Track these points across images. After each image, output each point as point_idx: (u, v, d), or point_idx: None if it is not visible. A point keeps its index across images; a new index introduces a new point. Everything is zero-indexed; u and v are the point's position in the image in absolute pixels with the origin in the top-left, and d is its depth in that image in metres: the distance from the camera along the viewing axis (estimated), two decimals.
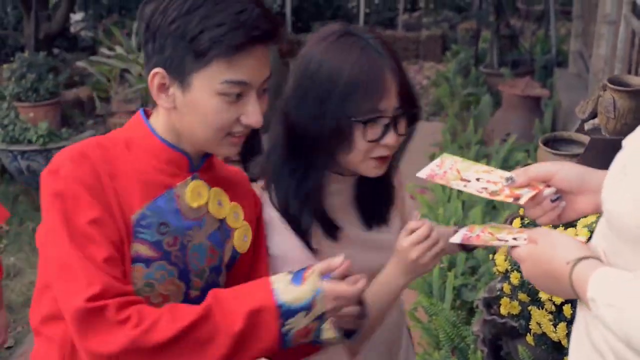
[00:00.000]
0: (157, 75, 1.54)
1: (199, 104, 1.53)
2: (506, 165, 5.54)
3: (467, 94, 7.56)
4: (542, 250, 1.37)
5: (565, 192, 1.47)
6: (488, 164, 5.17)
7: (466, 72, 8.34)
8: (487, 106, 6.96)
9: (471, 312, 3.79)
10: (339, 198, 1.86)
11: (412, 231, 1.71)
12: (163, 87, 1.55)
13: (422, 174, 1.57)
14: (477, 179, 1.51)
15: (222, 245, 1.69)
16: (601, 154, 2.76)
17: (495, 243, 1.45)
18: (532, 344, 2.23)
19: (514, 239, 1.43)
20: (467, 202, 4.76)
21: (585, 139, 2.95)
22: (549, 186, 1.47)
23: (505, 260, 2.35)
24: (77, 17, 10.63)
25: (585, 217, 1.50)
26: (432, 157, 6.09)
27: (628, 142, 1.32)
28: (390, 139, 1.69)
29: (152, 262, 1.55)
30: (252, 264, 1.78)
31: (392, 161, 1.82)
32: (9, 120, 5.89)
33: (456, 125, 6.84)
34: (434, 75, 9.74)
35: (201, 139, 1.57)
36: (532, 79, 6.87)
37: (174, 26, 1.49)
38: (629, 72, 4.38)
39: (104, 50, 8.02)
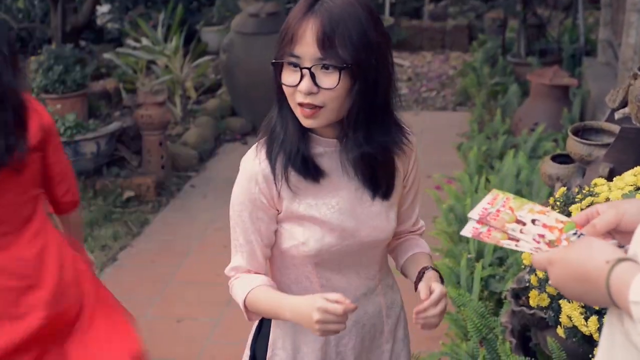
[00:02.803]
0: None
1: None
2: (534, 154, 5.49)
3: (494, 84, 7.51)
4: (575, 251, 1.27)
5: (631, 233, 1.33)
6: (516, 153, 5.16)
7: (493, 62, 8.28)
8: (515, 96, 6.90)
9: (499, 303, 3.76)
10: (326, 161, 1.92)
11: (335, 301, 1.77)
12: None
13: (474, 214, 1.47)
14: (533, 221, 1.42)
15: None
16: (632, 143, 2.73)
17: (507, 244, 1.37)
18: (563, 336, 2.20)
19: (536, 243, 1.35)
20: None
21: (616, 128, 2.92)
22: (612, 237, 1.38)
23: None
24: (103, 9, 10.67)
25: None
26: (459, 147, 6.05)
27: None
28: (303, 85, 1.76)
29: None
30: None
31: (387, 140, 1.89)
32: None
33: (483, 115, 6.79)
34: (460, 65, 9.68)
35: None
36: (560, 68, 6.80)
37: None
38: None
39: (130, 42, 8.05)
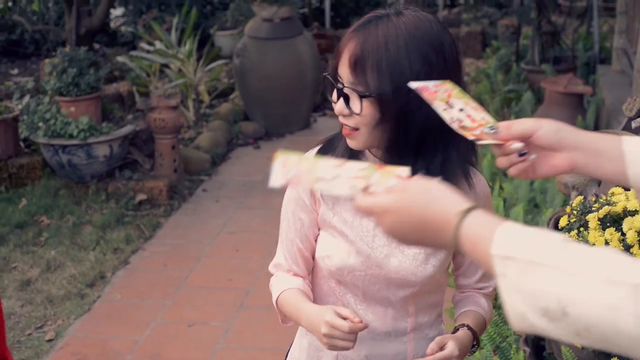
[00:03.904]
0: None
1: None
2: None
3: (507, 91, 7.49)
4: (413, 198, 1.26)
5: (543, 148, 1.44)
6: None
7: (507, 69, 8.26)
8: (529, 103, 6.88)
9: None
10: None
11: (344, 318, 1.73)
12: None
13: (415, 85, 1.53)
14: (461, 109, 1.47)
15: None
16: None
17: (318, 187, 1.35)
18: (578, 346, 2.18)
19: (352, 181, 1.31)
20: (509, 200, 4.70)
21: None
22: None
23: None
24: (117, 12, 10.70)
25: (559, 174, 1.48)
26: None
27: None
28: (336, 106, 1.74)
29: None
30: None
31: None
32: (50, 114, 5.93)
33: (497, 121, 6.77)
34: (473, 71, 9.66)
35: None
36: (575, 76, 6.77)
37: None
38: None
39: (143, 45, 8.06)
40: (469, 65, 10.24)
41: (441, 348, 1.79)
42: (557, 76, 6.75)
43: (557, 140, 1.43)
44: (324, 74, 1.79)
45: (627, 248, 2.07)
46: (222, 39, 9.49)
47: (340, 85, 1.73)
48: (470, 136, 1.43)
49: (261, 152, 7.20)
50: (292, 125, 7.67)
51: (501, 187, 4.99)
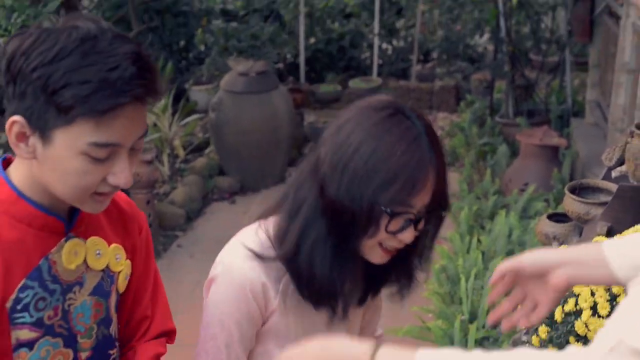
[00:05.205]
0: (15, 123, 1.39)
1: (60, 161, 1.39)
2: (525, 214, 5.47)
3: (483, 144, 7.52)
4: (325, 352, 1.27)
5: (538, 275, 1.54)
6: (507, 213, 5.13)
7: (481, 122, 8.31)
8: (504, 156, 6.91)
9: None
10: None
11: None
12: (22, 137, 1.41)
13: None
14: None
15: (107, 295, 1.65)
16: (630, 201, 2.70)
17: None
18: None
19: None
20: (487, 252, 4.68)
21: (613, 186, 2.90)
22: None
23: None
24: None
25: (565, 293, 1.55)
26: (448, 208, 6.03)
27: None
28: (408, 235, 1.60)
29: (35, 342, 1.49)
30: (139, 283, 1.82)
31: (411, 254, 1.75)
32: None
33: (473, 175, 6.79)
34: (447, 125, 9.71)
35: (62, 195, 1.45)
36: (550, 128, 6.83)
37: (36, 74, 1.34)
38: None
39: None
40: (443, 119, 10.31)
41: None
42: (531, 129, 6.80)
43: (543, 262, 1.53)
44: (392, 210, 1.56)
45: (613, 297, 2.04)
46: (198, 93, 9.50)
47: (415, 212, 1.59)
48: None
49: (237, 207, 7.15)
50: (267, 180, 7.63)
51: (479, 240, 4.97)
